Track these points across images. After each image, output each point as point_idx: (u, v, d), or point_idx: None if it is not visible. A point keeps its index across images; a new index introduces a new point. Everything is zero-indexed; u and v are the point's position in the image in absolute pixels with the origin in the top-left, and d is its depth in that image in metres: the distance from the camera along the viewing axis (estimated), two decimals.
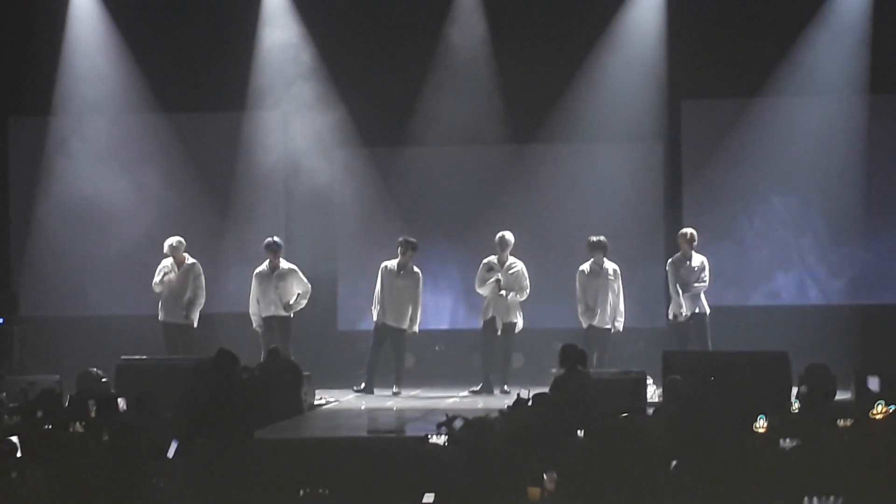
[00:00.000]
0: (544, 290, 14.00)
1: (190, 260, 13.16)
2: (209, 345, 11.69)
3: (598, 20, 14.32)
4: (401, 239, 13.17)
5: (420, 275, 13.20)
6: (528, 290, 13.09)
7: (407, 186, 14.80)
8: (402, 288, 13.10)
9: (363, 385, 13.09)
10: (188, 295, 13.04)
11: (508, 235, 13.12)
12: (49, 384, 11.18)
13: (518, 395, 9.49)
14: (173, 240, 13.15)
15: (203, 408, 9.09)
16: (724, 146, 14.48)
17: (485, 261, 13.18)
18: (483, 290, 13.14)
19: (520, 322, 13.13)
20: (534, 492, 7.80)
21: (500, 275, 13.03)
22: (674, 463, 7.41)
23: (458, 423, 8.39)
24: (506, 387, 12.92)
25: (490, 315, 13.10)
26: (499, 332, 13.05)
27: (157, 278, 13.15)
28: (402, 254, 13.11)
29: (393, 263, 13.16)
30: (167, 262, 13.13)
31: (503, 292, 13.00)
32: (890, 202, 14.38)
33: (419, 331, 13.27)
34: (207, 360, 9.93)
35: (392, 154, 14.82)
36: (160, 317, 13.12)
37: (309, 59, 14.49)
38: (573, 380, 9.47)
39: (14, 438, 8.06)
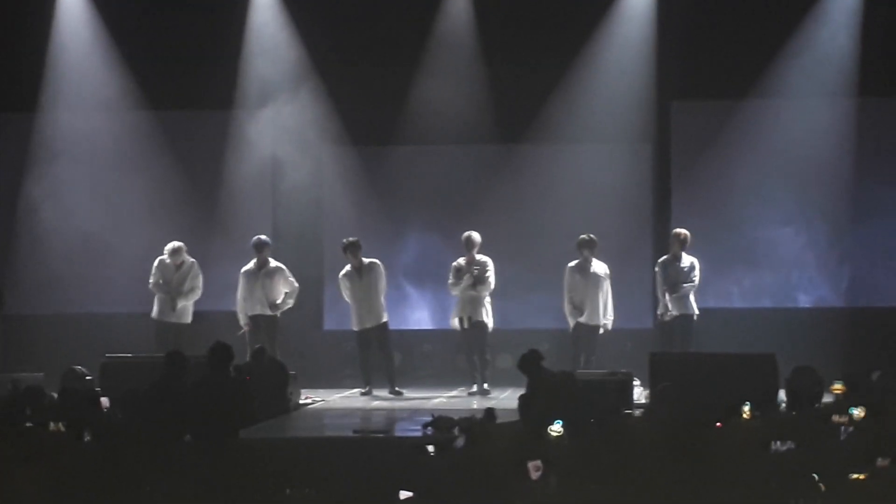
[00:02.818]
0: (533, 290, 13.99)
1: (189, 259, 13.14)
2: (197, 342, 11.64)
3: (588, 21, 14.29)
4: (342, 245, 13.08)
5: (379, 264, 13.14)
6: (491, 286, 13.01)
7: (395, 185, 14.75)
8: (367, 287, 13.04)
9: (367, 388, 13.05)
10: (186, 286, 13.03)
11: (475, 235, 13.08)
12: (33, 381, 11.11)
13: (487, 410, 9.47)
14: (175, 244, 13.10)
15: (192, 404, 9.05)
16: (712, 148, 14.46)
17: (453, 264, 13.14)
18: (454, 291, 13.10)
19: (490, 321, 13.08)
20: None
21: (468, 275, 12.97)
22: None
23: (459, 444, 8.36)
24: (486, 385, 12.89)
25: (458, 314, 13.06)
26: (466, 326, 12.98)
27: (153, 278, 13.12)
28: (353, 257, 13.03)
29: (348, 269, 13.10)
30: (164, 260, 13.10)
31: (480, 286, 12.93)
32: (877, 206, 14.37)
33: (406, 329, 13.26)
34: (200, 356, 9.91)
35: (380, 153, 14.78)
36: (154, 314, 13.09)
37: (297, 57, 14.43)
38: (547, 384, 9.45)
39: None
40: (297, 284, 13.21)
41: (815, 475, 7.39)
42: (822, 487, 7.30)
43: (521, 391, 9.71)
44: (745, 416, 8.85)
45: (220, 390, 9.24)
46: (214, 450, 8.29)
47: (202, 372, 9.54)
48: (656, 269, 13.01)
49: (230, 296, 13.38)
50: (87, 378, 11.63)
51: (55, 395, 10.11)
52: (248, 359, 12.00)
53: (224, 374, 9.52)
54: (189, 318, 13.20)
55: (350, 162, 14.72)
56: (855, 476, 7.14)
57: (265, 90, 14.40)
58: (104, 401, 10.14)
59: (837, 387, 10.03)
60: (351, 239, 13.13)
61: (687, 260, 12.89)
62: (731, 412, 8.76)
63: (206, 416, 8.94)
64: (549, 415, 8.74)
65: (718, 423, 8.48)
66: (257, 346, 12.22)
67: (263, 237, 13.23)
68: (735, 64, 13.97)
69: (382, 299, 13.16)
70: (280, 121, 14.36)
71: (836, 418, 8.29)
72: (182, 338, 12.76)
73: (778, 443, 8.21)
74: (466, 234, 13.15)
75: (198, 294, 13.18)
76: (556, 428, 8.38)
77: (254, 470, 8.15)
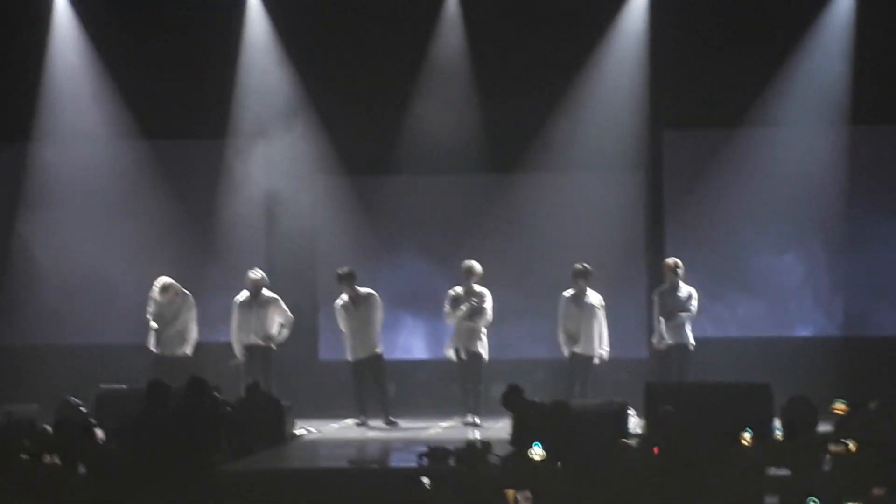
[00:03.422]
0: (526, 320, 14.00)
1: (183, 293, 13.15)
2: (193, 372, 11.62)
3: (580, 51, 14.35)
4: (337, 275, 13.09)
5: (375, 295, 13.14)
6: (489, 317, 13.03)
7: (389, 215, 14.78)
8: (362, 318, 13.05)
9: (362, 418, 13.05)
10: (180, 328, 13.03)
11: (476, 265, 13.09)
12: (27, 413, 11.08)
13: (468, 442, 9.48)
14: (164, 282, 13.10)
15: (157, 437, 9.08)
16: (705, 175, 14.51)
17: (450, 292, 13.15)
18: (449, 321, 13.11)
19: (484, 353, 13.08)
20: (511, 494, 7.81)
21: (466, 304, 12.98)
22: None
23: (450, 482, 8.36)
24: (477, 419, 12.88)
25: (454, 345, 13.08)
26: (463, 357, 12.99)
27: (150, 309, 13.12)
28: (348, 287, 13.04)
29: (344, 298, 13.11)
30: (157, 295, 13.10)
31: (477, 317, 12.94)
32: (871, 234, 14.41)
33: (401, 359, 13.23)
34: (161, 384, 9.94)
35: (374, 183, 14.82)
36: (155, 349, 13.06)
37: (291, 88, 14.48)
38: (538, 415, 9.49)
39: None
40: (291, 315, 13.22)
41: (813, 499, 7.41)
42: None
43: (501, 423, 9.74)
44: (745, 442, 8.90)
45: (195, 421, 9.26)
46: (200, 480, 8.30)
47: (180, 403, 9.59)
48: (654, 297, 13.04)
49: (224, 326, 13.38)
50: (82, 409, 11.60)
51: (48, 428, 10.09)
52: (241, 392, 11.98)
53: (199, 405, 9.53)
54: (186, 350, 13.16)
55: (344, 192, 14.75)
56: None
57: (259, 120, 14.44)
58: (98, 432, 10.13)
59: (840, 406, 10.01)
60: (346, 269, 13.14)
61: (685, 290, 12.92)
62: (732, 439, 8.80)
63: (180, 447, 8.97)
64: (544, 442, 8.77)
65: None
66: (251, 381, 12.18)
67: (257, 272, 13.22)
68: (727, 93, 14.03)
69: (378, 330, 13.16)
70: (274, 151, 14.40)
71: (832, 448, 8.31)
72: (177, 370, 12.73)
73: (773, 469, 8.24)
74: (467, 263, 13.14)
75: (193, 334, 13.16)
76: (537, 451, 8.40)
77: (250, 501, 8.15)
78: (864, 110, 14.13)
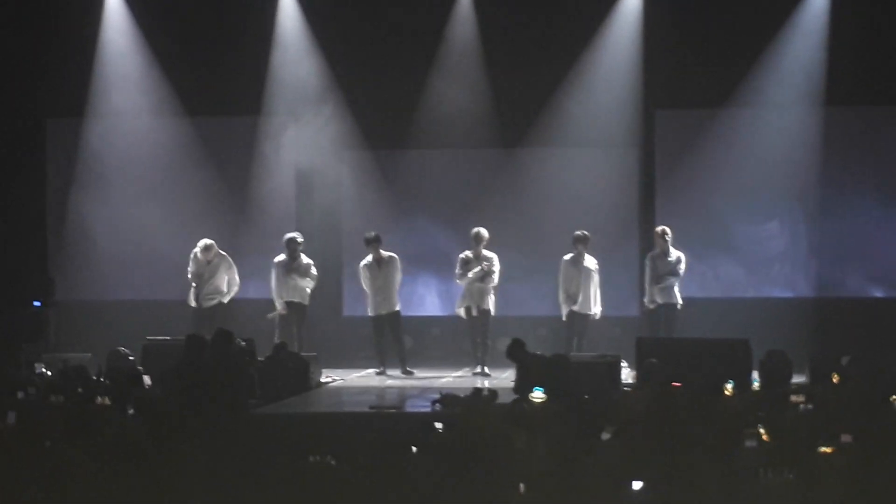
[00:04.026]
0: (529, 281, 14.02)
1: (220, 254, 13.22)
2: (230, 327, 11.69)
3: (581, 36, 14.31)
4: (365, 238, 13.12)
5: (396, 258, 13.18)
6: (497, 279, 13.04)
7: (406, 185, 14.79)
8: (384, 278, 13.08)
9: (381, 369, 13.10)
10: (217, 284, 13.09)
11: (483, 231, 13.11)
12: (81, 361, 11.18)
13: (475, 388, 9.51)
14: (205, 242, 13.17)
15: (194, 383, 9.17)
16: (694, 153, 14.47)
17: (461, 256, 13.18)
18: (461, 282, 13.13)
19: (492, 308, 13.10)
20: None
21: (479, 269, 13.00)
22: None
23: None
24: (486, 369, 12.93)
25: (465, 304, 13.09)
26: (474, 314, 13.01)
27: (191, 269, 13.20)
28: (374, 250, 13.07)
29: (369, 260, 13.13)
30: (199, 253, 13.17)
31: (487, 279, 12.96)
32: (843, 204, 14.37)
33: (417, 315, 13.29)
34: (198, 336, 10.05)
35: (393, 156, 14.82)
36: (193, 304, 13.13)
37: (320, 69, 14.47)
38: (539, 365, 9.51)
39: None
40: (316, 275, 13.28)
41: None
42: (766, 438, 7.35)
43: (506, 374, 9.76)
44: (727, 392, 8.94)
45: (224, 369, 9.33)
46: (233, 422, 8.37)
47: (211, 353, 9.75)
48: (646, 261, 13.07)
49: (257, 285, 13.44)
50: (130, 358, 11.69)
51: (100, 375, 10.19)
52: (273, 346, 12.06)
53: (226, 354, 9.59)
54: (223, 300, 13.20)
55: (366, 164, 14.76)
56: (823, 449, 7.15)
57: (290, 98, 14.44)
58: (146, 379, 10.22)
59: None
60: (373, 233, 13.17)
61: (674, 254, 12.95)
62: (714, 389, 8.81)
63: (214, 392, 9.07)
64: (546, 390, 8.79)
65: (676, 384, 8.56)
66: (277, 342, 12.25)
67: (293, 235, 13.28)
68: (714, 75, 13.97)
69: (397, 289, 13.20)
70: (303, 126, 14.41)
71: (794, 398, 8.33)
72: (216, 319, 12.79)
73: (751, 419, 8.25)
74: (476, 229, 13.16)
75: (234, 287, 13.23)
76: (538, 395, 8.41)
77: (280, 440, 8.21)
78: (838, 92, 14.06)
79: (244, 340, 10.97)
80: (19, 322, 13.40)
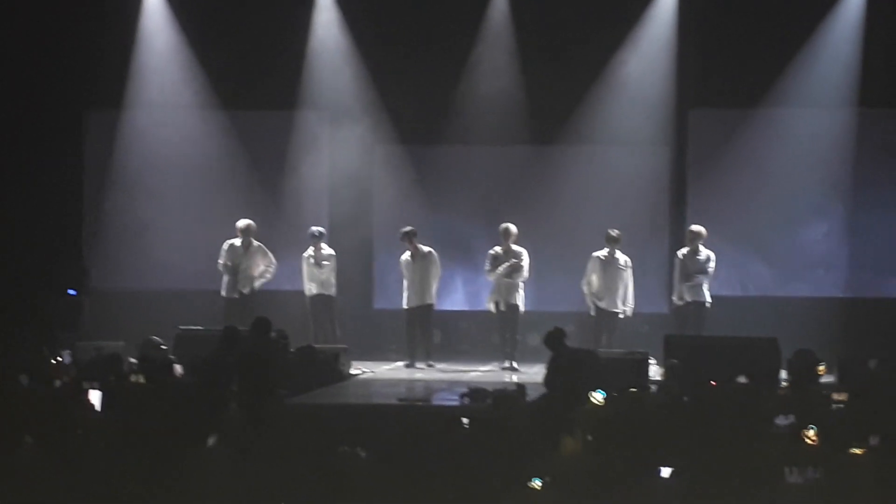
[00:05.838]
0: (560, 277, 13.99)
1: (256, 243, 13.26)
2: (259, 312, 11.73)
3: (614, 36, 14.26)
4: (400, 233, 13.15)
5: (433, 253, 13.20)
6: (525, 274, 13.03)
7: (437, 180, 14.78)
8: (420, 272, 13.11)
9: (411, 361, 13.13)
10: (261, 268, 13.14)
11: (512, 227, 13.11)
12: (114, 349, 11.24)
13: (518, 385, 9.49)
14: (245, 222, 13.24)
15: (234, 372, 9.21)
16: (726, 152, 14.40)
17: (490, 251, 13.18)
18: (490, 277, 13.13)
19: (521, 304, 13.09)
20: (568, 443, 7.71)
21: (507, 264, 12.99)
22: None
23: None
24: (514, 363, 12.91)
25: (494, 299, 13.08)
26: (502, 309, 12.99)
27: (221, 259, 13.27)
28: (409, 243, 13.10)
29: (407, 255, 13.16)
30: (233, 243, 13.23)
31: (516, 274, 12.95)
32: (875, 207, 14.26)
33: (447, 310, 13.31)
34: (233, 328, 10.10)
35: (424, 151, 14.81)
36: (223, 292, 13.21)
37: (353, 64, 14.49)
38: (571, 358, 9.49)
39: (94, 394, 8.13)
40: (329, 263, 13.32)
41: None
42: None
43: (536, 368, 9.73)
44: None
45: (261, 359, 9.39)
46: (266, 411, 8.41)
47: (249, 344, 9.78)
48: (676, 259, 13.03)
49: (289, 277, 13.49)
50: (163, 347, 11.75)
51: (133, 360, 10.25)
52: (308, 337, 12.12)
53: (265, 340, 9.64)
54: (254, 285, 13.27)
55: (398, 159, 14.76)
56: (854, 450, 7.10)
57: (325, 93, 14.47)
58: (177, 367, 10.27)
59: (821, 368, 9.95)
60: (407, 228, 13.22)
61: (704, 253, 12.92)
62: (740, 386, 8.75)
63: (248, 382, 9.11)
64: (573, 385, 8.77)
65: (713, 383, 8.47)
66: (303, 346, 12.21)
67: (317, 229, 13.33)
68: (748, 75, 13.93)
69: (434, 284, 13.22)
70: (337, 121, 14.44)
71: (836, 396, 8.25)
72: (248, 310, 12.85)
73: (781, 416, 8.18)
74: (504, 225, 13.17)
75: (272, 272, 13.31)
76: (598, 397, 8.32)
77: (310, 431, 8.24)
78: (873, 93, 13.94)
79: (275, 331, 11.00)
80: (54, 310, 13.50)
